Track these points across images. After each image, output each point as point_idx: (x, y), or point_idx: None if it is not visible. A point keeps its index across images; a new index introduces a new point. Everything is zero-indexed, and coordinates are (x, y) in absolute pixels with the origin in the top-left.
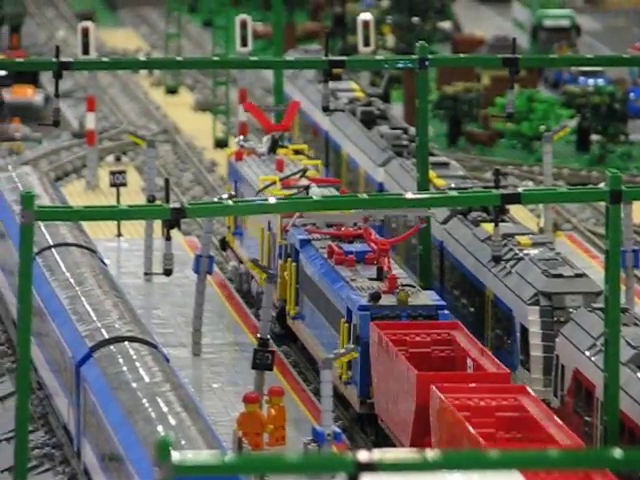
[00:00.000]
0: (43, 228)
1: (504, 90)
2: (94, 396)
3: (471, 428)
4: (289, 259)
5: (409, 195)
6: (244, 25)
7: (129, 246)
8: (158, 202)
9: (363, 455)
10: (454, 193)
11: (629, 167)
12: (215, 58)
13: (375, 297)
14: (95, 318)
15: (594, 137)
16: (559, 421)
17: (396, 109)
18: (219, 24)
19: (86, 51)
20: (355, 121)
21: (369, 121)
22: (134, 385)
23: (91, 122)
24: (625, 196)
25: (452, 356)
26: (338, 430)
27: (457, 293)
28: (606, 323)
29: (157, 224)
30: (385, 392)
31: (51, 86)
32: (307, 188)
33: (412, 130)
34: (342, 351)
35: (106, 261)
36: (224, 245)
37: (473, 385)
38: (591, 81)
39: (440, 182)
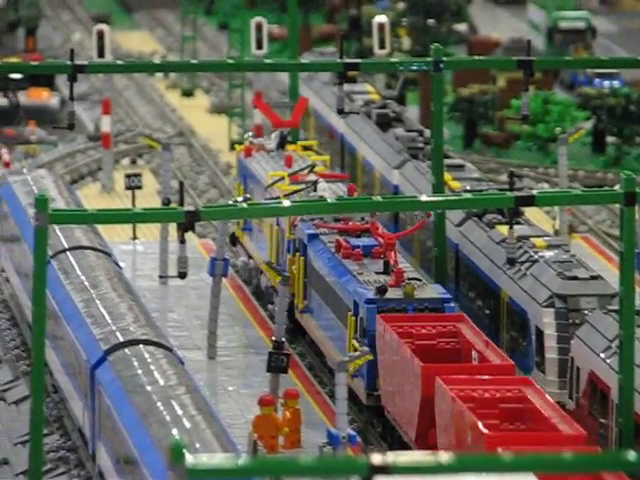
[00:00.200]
0: (58, 231)
1: (520, 92)
2: (109, 399)
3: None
4: (297, 254)
5: (423, 197)
6: (259, 28)
7: (144, 249)
8: (173, 205)
9: (377, 458)
10: (468, 195)
11: None
12: (230, 61)
13: (381, 290)
14: (110, 321)
15: (610, 139)
16: (562, 412)
17: (412, 111)
18: (235, 27)
19: (101, 54)
20: (370, 123)
21: (384, 123)
22: (149, 388)
23: (106, 125)
24: None
25: (457, 348)
26: (353, 433)
27: (472, 295)
28: (621, 325)
29: (172, 227)
30: (391, 384)
31: (67, 89)
32: (315, 183)
33: (427, 132)
34: (357, 354)
35: (121, 264)
36: (234, 240)
37: (478, 377)
38: (607, 83)
39: (455, 184)
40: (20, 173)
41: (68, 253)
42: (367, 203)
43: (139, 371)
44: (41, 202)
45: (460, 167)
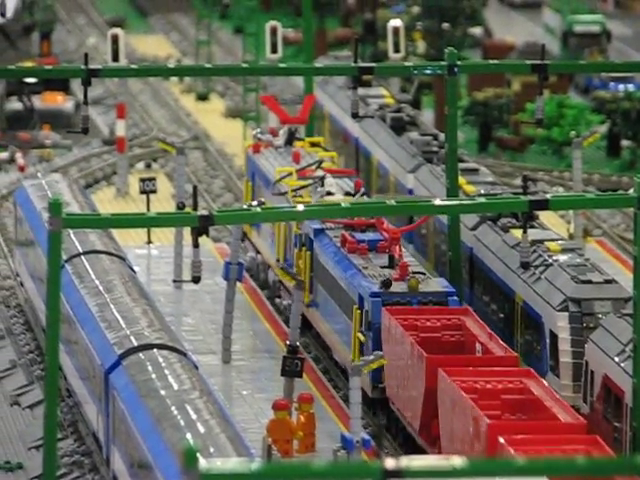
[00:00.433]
0: (72, 235)
1: (534, 96)
2: (123, 404)
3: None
4: (304, 248)
5: (437, 201)
6: (274, 32)
7: (159, 253)
8: (187, 209)
9: (390, 462)
10: (482, 199)
11: None
12: (245, 65)
13: (386, 284)
14: (124, 325)
15: (624, 143)
16: (563, 402)
17: (427, 115)
18: (249, 31)
19: (116, 58)
20: (385, 127)
21: (399, 127)
22: (163, 392)
23: (121, 129)
24: None
25: (462, 341)
26: (367, 437)
27: (487, 299)
28: (635, 329)
29: (187, 231)
30: (396, 376)
31: (82, 93)
32: (322, 179)
33: (442, 136)
34: (371, 358)
35: (136, 268)
36: (242, 236)
37: (480, 368)
38: (621, 87)
39: (470, 188)
40: (35, 177)
41: (82, 257)
42: (381, 207)
43: (153, 375)
44: (55, 206)
45: (474, 171)
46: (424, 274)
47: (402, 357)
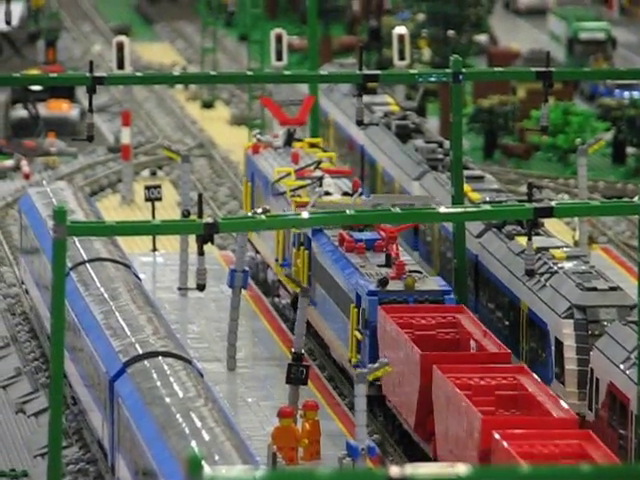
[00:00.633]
0: (77, 243)
1: (540, 103)
2: (128, 411)
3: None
4: (302, 247)
5: (442, 209)
6: (279, 39)
7: (164, 261)
8: (192, 217)
9: (395, 470)
10: (487, 207)
11: None
12: (249, 72)
13: (383, 283)
14: (129, 333)
15: (630, 150)
16: (556, 398)
17: (432, 122)
18: (255, 38)
19: (121, 65)
20: (390, 135)
21: (404, 135)
22: (168, 400)
23: (126, 137)
24: None
25: (457, 338)
26: (372, 444)
27: (492, 306)
28: None
29: (192, 238)
30: (392, 374)
31: (87, 100)
32: (320, 179)
33: (447, 144)
34: (376, 365)
35: (141, 276)
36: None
37: (474, 365)
38: (627, 94)
39: (475, 196)
40: (40, 185)
41: (87, 265)
42: (386, 215)
43: (158, 383)
44: (60, 214)
45: (480, 178)
46: (420, 273)
47: (398, 355)
